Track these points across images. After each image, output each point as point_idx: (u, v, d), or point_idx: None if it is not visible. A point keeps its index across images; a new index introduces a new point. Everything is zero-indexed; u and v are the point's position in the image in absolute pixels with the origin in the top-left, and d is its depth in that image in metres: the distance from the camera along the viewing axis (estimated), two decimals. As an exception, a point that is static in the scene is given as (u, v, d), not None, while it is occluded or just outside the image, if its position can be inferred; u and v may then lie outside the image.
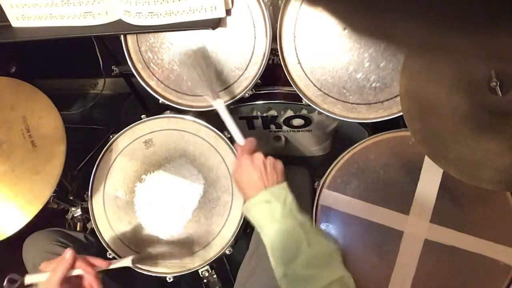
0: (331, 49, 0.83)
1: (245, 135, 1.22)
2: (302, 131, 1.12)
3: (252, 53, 0.87)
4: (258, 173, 0.72)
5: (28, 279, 0.69)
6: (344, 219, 0.86)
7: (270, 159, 0.75)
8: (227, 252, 0.90)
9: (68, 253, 0.70)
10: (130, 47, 0.92)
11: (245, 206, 0.73)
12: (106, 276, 0.92)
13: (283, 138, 1.18)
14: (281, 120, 1.07)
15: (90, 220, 0.95)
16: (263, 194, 0.70)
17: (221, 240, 0.90)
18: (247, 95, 0.90)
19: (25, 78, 1.02)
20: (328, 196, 0.87)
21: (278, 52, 0.86)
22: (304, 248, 0.65)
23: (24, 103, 0.97)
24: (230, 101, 0.90)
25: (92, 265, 0.72)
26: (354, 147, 0.88)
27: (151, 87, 0.95)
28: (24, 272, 0.93)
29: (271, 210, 0.69)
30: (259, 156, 0.74)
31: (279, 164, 0.75)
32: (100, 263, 0.73)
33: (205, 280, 0.94)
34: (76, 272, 0.71)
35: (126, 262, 0.77)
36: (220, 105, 0.80)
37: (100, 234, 0.94)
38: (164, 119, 0.98)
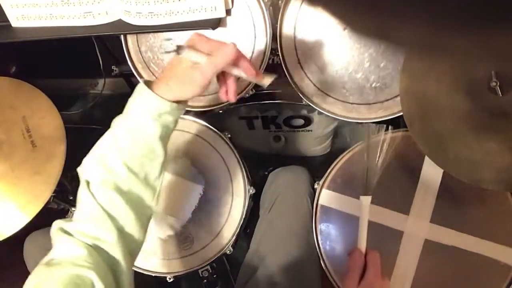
0: (331, 49, 0.83)
1: (245, 135, 1.22)
2: (302, 131, 1.12)
3: (252, 53, 0.87)
4: None
5: (186, 53, 0.59)
6: (344, 219, 0.86)
7: None
8: (227, 252, 0.89)
9: (231, 47, 0.59)
10: (130, 47, 0.92)
11: None
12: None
13: (283, 138, 1.18)
14: (281, 120, 1.07)
15: (90, 220, 0.95)
16: None
17: (221, 240, 0.90)
18: (247, 95, 0.90)
19: (25, 78, 1.02)
20: (328, 196, 0.87)
21: (278, 52, 0.86)
22: None
23: (24, 103, 0.97)
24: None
25: (253, 68, 0.62)
26: (354, 147, 0.88)
27: (151, 87, 0.94)
28: (23, 271, 0.93)
29: None
30: (388, 285, 0.66)
31: None
32: (260, 74, 0.63)
33: (205, 280, 0.94)
34: (235, 72, 0.61)
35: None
36: (367, 203, 0.70)
37: (100, 234, 0.93)
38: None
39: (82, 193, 0.59)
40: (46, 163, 0.91)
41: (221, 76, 0.64)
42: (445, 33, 0.21)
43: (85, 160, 0.61)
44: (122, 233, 0.58)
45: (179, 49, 0.58)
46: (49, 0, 0.85)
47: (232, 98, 0.64)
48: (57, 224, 0.58)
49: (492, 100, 0.65)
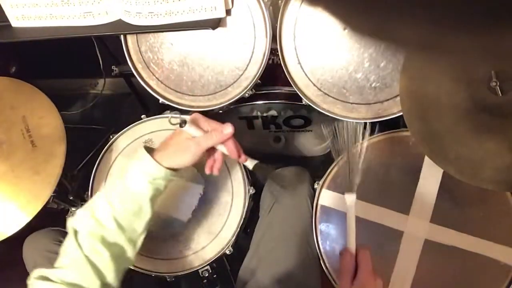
0: (331, 49, 0.83)
1: (245, 135, 1.22)
2: (302, 131, 1.12)
3: (252, 53, 0.87)
4: None
5: (187, 127, 0.67)
6: (344, 219, 0.86)
7: None
8: (227, 252, 0.89)
9: (230, 130, 0.67)
10: (130, 47, 0.92)
11: None
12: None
13: (283, 139, 1.18)
14: (281, 120, 1.07)
15: (90, 220, 0.95)
16: None
17: (221, 240, 0.90)
18: (247, 95, 0.90)
19: (25, 78, 1.02)
20: (328, 196, 0.87)
21: (278, 52, 0.86)
22: None
23: (24, 103, 0.97)
24: (230, 101, 0.90)
25: (238, 151, 0.70)
26: (354, 147, 0.87)
27: (151, 87, 0.95)
28: (23, 271, 0.93)
29: None
30: (380, 284, 0.66)
31: None
32: (242, 157, 0.71)
33: (205, 280, 0.94)
34: (221, 148, 0.69)
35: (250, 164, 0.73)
36: (351, 201, 0.70)
37: (100, 234, 0.93)
38: (164, 119, 0.98)
39: (68, 241, 0.63)
40: (46, 163, 0.91)
41: (210, 150, 0.71)
42: (445, 33, 0.21)
43: (78, 212, 0.66)
44: (102, 283, 0.62)
45: (182, 123, 0.66)
46: (49, 0, 0.85)
47: (216, 172, 0.71)
48: (37, 272, 0.61)
49: (492, 100, 0.65)
